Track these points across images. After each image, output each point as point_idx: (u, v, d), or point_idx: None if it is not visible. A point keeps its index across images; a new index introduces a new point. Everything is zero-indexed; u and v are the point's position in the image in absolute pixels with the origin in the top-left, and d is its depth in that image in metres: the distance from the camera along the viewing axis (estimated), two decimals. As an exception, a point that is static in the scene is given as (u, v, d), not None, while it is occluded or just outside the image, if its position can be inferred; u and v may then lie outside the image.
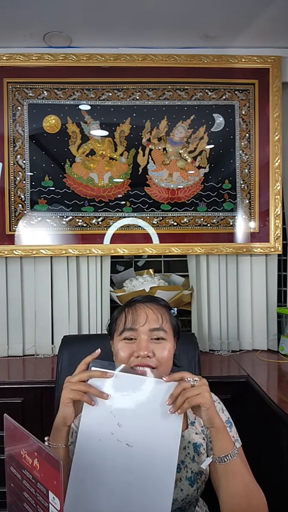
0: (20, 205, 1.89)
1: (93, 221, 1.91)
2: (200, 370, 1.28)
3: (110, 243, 1.90)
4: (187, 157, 1.92)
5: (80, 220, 1.90)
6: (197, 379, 0.78)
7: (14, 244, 1.88)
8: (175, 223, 1.92)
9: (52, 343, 1.93)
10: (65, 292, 1.93)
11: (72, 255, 1.89)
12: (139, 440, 0.77)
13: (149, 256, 2.12)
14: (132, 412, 0.78)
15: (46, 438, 0.82)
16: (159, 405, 0.77)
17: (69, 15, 1.63)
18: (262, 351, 1.95)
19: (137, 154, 1.91)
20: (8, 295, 1.92)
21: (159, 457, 0.76)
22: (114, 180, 1.91)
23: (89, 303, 1.95)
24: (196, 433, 0.93)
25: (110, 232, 1.91)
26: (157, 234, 1.92)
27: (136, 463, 0.76)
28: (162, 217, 1.92)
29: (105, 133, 1.90)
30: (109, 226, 1.91)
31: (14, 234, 1.88)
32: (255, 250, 1.93)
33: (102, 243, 1.90)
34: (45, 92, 1.87)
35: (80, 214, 1.90)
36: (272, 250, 1.93)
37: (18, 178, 1.88)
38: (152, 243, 1.92)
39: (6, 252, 1.86)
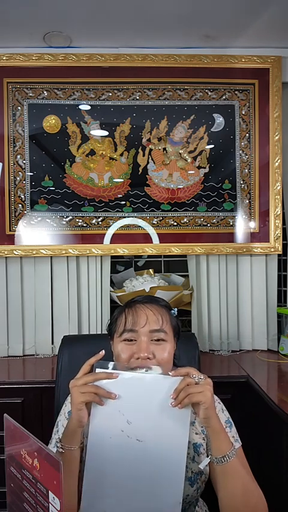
0: (20, 205, 1.89)
1: (93, 221, 1.91)
2: (200, 370, 1.27)
3: (110, 243, 1.90)
4: (187, 157, 1.92)
5: (80, 220, 1.90)
6: (202, 377, 0.78)
7: (14, 244, 1.88)
8: (175, 223, 1.92)
9: (52, 343, 1.93)
10: (65, 292, 1.93)
11: (72, 255, 1.89)
12: (149, 435, 0.79)
13: (149, 256, 2.12)
14: (140, 409, 0.79)
15: (59, 445, 0.82)
16: (166, 400, 0.79)
17: (69, 15, 1.63)
18: (262, 351, 1.95)
19: (137, 154, 1.91)
20: (8, 295, 1.92)
21: (170, 450, 0.78)
22: (114, 180, 1.91)
23: (89, 303, 1.95)
24: (196, 433, 0.93)
25: (110, 232, 1.91)
26: (157, 234, 1.92)
27: (147, 457, 0.78)
28: (162, 217, 1.92)
29: (105, 133, 1.90)
30: (109, 226, 1.91)
31: (14, 234, 1.88)
32: (255, 250, 1.93)
33: (102, 243, 1.90)
34: (45, 92, 1.87)
35: (80, 214, 1.90)
36: (272, 250, 1.93)
37: (18, 178, 1.88)
38: (152, 243, 1.92)
39: (6, 252, 1.86)
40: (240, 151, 1.93)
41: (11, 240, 1.88)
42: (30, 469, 0.65)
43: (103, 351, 0.85)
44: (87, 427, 0.81)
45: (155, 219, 1.92)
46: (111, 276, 1.99)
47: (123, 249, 1.90)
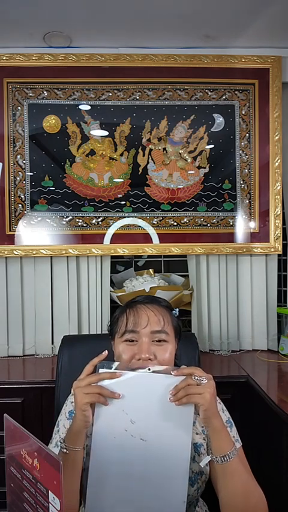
0: (20, 205, 1.89)
1: (93, 221, 1.91)
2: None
3: (110, 243, 1.90)
4: (187, 157, 1.92)
5: (80, 220, 1.90)
6: (204, 380, 0.77)
7: (14, 244, 1.88)
8: (175, 223, 1.92)
9: (52, 343, 1.93)
10: (65, 292, 1.93)
11: (72, 255, 1.89)
12: (153, 434, 0.79)
13: (149, 256, 2.12)
14: (143, 408, 0.79)
15: (63, 446, 0.82)
16: (169, 399, 0.79)
17: (69, 15, 1.63)
18: (262, 351, 1.95)
19: (137, 154, 1.91)
20: (8, 295, 1.92)
21: (173, 449, 0.79)
22: (114, 180, 1.91)
23: (89, 303, 1.95)
24: (197, 433, 0.93)
25: (110, 232, 1.91)
26: (157, 234, 1.92)
27: (151, 456, 0.79)
28: (162, 217, 1.92)
29: (105, 133, 1.90)
30: (109, 226, 1.91)
31: (14, 234, 1.88)
32: (255, 250, 1.93)
33: (102, 243, 1.90)
34: (45, 92, 1.87)
35: (80, 214, 1.90)
36: (272, 250, 1.93)
37: (18, 178, 1.88)
38: (152, 243, 1.92)
39: (6, 252, 1.86)
40: (240, 151, 1.93)
41: (11, 240, 1.88)
42: (30, 469, 0.65)
43: (106, 351, 0.85)
44: (91, 427, 0.81)
45: (155, 219, 1.92)
46: (111, 276, 1.99)
47: (123, 249, 1.90)
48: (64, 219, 1.90)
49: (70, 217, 1.90)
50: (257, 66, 1.91)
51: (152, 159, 1.91)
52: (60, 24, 1.70)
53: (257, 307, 1.99)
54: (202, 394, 0.76)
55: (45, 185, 1.89)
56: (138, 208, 1.91)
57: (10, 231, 1.88)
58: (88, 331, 1.95)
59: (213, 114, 1.92)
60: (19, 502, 0.70)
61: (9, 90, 1.86)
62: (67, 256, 1.92)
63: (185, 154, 1.92)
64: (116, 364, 0.82)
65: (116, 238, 1.90)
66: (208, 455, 0.82)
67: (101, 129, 1.90)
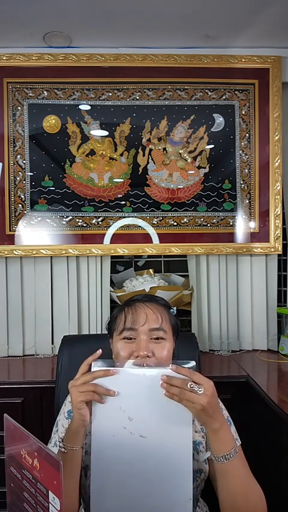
0: (20, 205, 1.89)
1: (93, 221, 1.91)
2: (200, 370, 1.28)
3: (110, 243, 1.90)
4: (187, 157, 1.92)
5: (80, 220, 1.90)
6: (201, 390, 0.75)
7: (14, 244, 1.88)
8: (175, 223, 1.92)
9: (52, 343, 1.93)
10: (65, 292, 1.93)
11: (72, 255, 1.89)
12: (152, 431, 0.79)
13: (149, 256, 2.12)
14: (140, 405, 0.79)
15: (61, 445, 0.83)
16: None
17: (69, 15, 1.63)
18: (262, 351, 1.95)
19: (137, 154, 1.91)
20: (8, 295, 1.92)
21: (174, 444, 0.78)
22: (114, 180, 1.91)
23: (89, 303, 1.95)
24: (196, 431, 0.93)
25: (110, 232, 1.91)
26: (157, 234, 1.92)
27: (152, 452, 0.78)
28: (162, 217, 1.92)
29: (105, 133, 1.90)
30: (109, 226, 1.91)
31: (14, 234, 1.88)
32: (255, 250, 1.93)
33: (102, 243, 1.90)
34: (45, 92, 1.87)
35: (80, 214, 1.90)
36: (272, 250, 1.93)
37: (18, 178, 1.88)
38: (152, 243, 1.92)
39: (6, 252, 1.86)
40: (240, 151, 1.93)
41: (11, 240, 1.88)
42: (30, 469, 0.65)
43: (100, 350, 0.85)
44: (89, 426, 0.81)
45: (155, 219, 1.92)
46: (111, 276, 1.99)
47: (123, 249, 1.90)
48: (64, 219, 1.90)
49: (70, 217, 1.90)
50: (257, 66, 1.91)
51: (152, 159, 1.91)
52: (60, 24, 1.70)
53: (257, 307, 1.99)
54: (193, 404, 0.75)
55: (45, 185, 1.89)
56: (138, 208, 1.91)
57: (10, 231, 1.88)
58: (88, 331, 1.95)
59: (213, 114, 1.92)
60: (19, 502, 0.70)
61: (9, 90, 1.86)
62: (67, 256, 1.92)
63: (185, 154, 1.92)
64: (111, 361, 0.82)
65: (116, 238, 1.90)
66: (207, 452, 0.82)
67: (101, 129, 1.90)
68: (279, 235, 1.93)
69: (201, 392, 0.74)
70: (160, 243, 1.92)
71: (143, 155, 1.91)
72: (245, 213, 1.94)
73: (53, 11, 1.60)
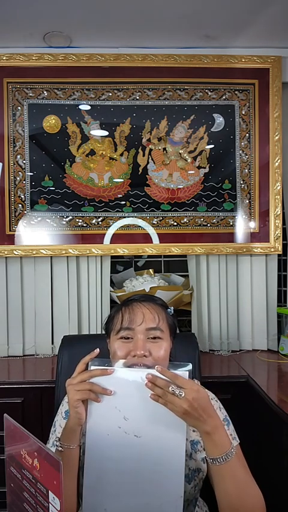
0: (20, 205, 1.89)
1: (93, 221, 1.91)
2: (200, 370, 1.28)
3: (110, 243, 1.90)
4: (187, 157, 1.92)
5: (80, 220, 1.90)
6: (182, 394, 0.74)
7: (14, 244, 1.88)
8: (175, 223, 1.92)
9: (52, 343, 1.93)
10: (65, 292, 1.93)
11: (72, 255, 1.89)
12: (146, 430, 0.79)
13: (149, 256, 2.12)
14: (136, 405, 0.79)
15: (58, 444, 0.83)
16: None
17: (69, 15, 1.63)
18: (262, 351, 1.95)
19: (137, 154, 1.91)
20: (8, 295, 1.92)
21: (168, 444, 0.78)
22: (114, 180, 1.91)
23: (89, 303, 1.95)
24: (193, 431, 0.93)
25: (110, 232, 1.91)
26: (157, 234, 1.92)
27: (146, 452, 0.79)
28: (162, 217, 1.92)
29: (105, 133, 1.90)
30: (109, 226, 1.91)
31: (14, 234, 1.88)
32: (255, 250, 1.93)
33: (102, 243, 1.90)
34: (45, 92, 1.87)
35: (80, 214, 1.90)
36: (272, 250, 1.93)
37: (18, 178, 1.88)
38: (152, 243, 1.92)
39: (6, 252, 1.86)
40: (240, 151, 1.93)
41: (11, 240, 1.88)
42: (30, 469, 0.65)
43: (97, 349, 0.85)
44: (85, 425, 0.82)
45: (155, 219, 1.92)
46: (111, 276, 1.99)
47: (123, 249, 1.90)
48: (64, 219, 1.90)
49: (70, 217, 1.90)
50: (257, 66, 1.91)
51: (152, 159, 1.91)
52: (60, 24, 1.70)
53: (257, 307, 1.99)
54: (176, 408, 0.75)
55: (45, 185, 1.89)
56: (138, 208, 1.91)
57: (10, 231, 1.88)
58: (88, 331, 1.95)
59: (213, 114, 1.92)
60: (19, 502, 0.70)
61: (9, 90, 1.86)
62: (67, 256, 1.92)
63: (185, 154, 1.92)
64: (108, 361, 0.83)
65: (116, 238, 1.90)
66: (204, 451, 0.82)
67: (101, 129, 1.90)
68: (279, 235, 1.93)
69: (182, 396, 0.74)
70: (160, 243, 1.92)
71: (143, 155, 1.91)
72: (245, 213, 1.94)
73: (53, 11, 1.60)
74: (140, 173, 1.91)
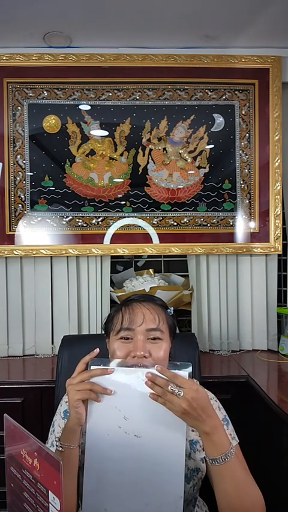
0: (20, 205, 1.89)
1: (93, 221, 1.91)
2: (200, 370, 1.28)
3: (110, 243, 1.90)
4: (187, 157, 1.92)
5: (80, 220, 1.90)
6: (180, 393, 0.74)
7: (14, 244, 1.88)
8: (175, 223, 1.92)
9: (52, 343, 1.93)
10: (65, 292, 1.93)
11: (72, 255, 1.89)
12: (146, 430, 0.79)
13: (149, 256, 2.12)
14: (136, 405, 0.79)
15: (58, 444, 0.83)
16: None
17: (69, 15, 1.63)
18: (262, 351, 1.95)
19: (137, 154, 1.91)
20: (8, 295, 1.92)
21: (168, 444, 0.79)
22: (114, 180, 1.91)
23: (89, 303, 1.95)
24: (192, 430, 0.93)
25: (110, 232, 1.91)
26: (157, 234, 1.92)
27: (146, 452, 0.79)
28: (162, 217, 1.92)
29: (105, 133, 1.90)
30: (109, 226, 1.91)
31: (14, 234, 1.88)
32: (255, 250, 1.93)
33: (102, 243, 1.90)
34: (45, 92, 1.87)
35: (80, 214, 1.90)
36: (272, 250, 1.93)
37: (18, 178, 1.88)
38: (152, 243, 1.92)
39: (6, 252, 1.86)
40: (240, 151, 1.93)
41: (11, 240, 1.88)
42: (30, 469, 0.65)
43: (97, 349, 0.85)
44: (85, 425, 0.82)
45: (155, 219, 1.92)
46: (111, 276, 1.99)
47: (123, 249, 1.90)
48: (64, 219, 1.90)
49: (70, 217, 1.90)
50: (257, 66, 1.91)
51: (152, 159, 1.91)
52: (60, 24, 1.70)
53: (257, 307, 1.99)
54: (175, 408, 0.75)
55: (45, 185, 1.89)
56: (138, 208, 1.92)
57: (10, 231, 1.88)
58: (88, 331, 1.95)
59: (213, 114, 1.92)
60: (19, 502, 0.70)
61: (9, 90, 1.86)
62: (67, 256, 1.92)
63: (185, 154, 1.92)
64: (108, 360, 0.83)
65: (116, 238, 1.90)
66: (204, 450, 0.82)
67: (101, 129, 1.90)
68: (279, 235, 1.93)
69: (181, 395, 0.74)
70: (160, 243, 1.92)
71: (143, 155, 1.91)
72: (245, 213, 1.94)
73: (53, 11, 1.60)
74: (140, 173, 1.91)
